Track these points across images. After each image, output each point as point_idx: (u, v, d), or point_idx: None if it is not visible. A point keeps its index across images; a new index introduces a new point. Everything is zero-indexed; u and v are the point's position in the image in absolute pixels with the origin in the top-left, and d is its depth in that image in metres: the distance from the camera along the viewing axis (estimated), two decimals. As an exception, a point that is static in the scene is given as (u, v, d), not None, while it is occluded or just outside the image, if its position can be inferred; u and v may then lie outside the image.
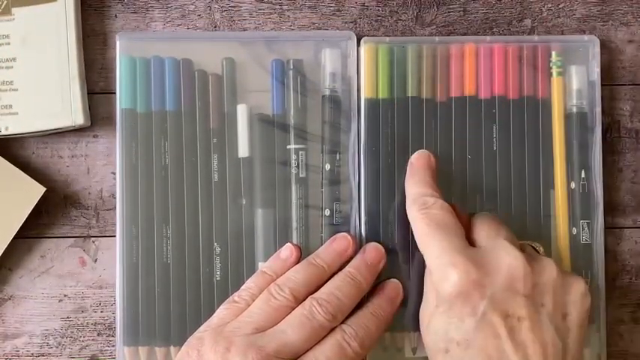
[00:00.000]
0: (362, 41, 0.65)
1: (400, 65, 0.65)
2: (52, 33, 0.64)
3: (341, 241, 0.62)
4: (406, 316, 0.64)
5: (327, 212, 0.64)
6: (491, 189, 0.65)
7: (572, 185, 0.65)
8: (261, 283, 0.60)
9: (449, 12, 0.67)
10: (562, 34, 0.67)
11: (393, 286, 0.62)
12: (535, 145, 0.65)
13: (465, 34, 0.67)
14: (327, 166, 0.64)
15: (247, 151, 0.64)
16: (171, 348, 0.64)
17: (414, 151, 0.64)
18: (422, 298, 0.60)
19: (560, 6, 0.67)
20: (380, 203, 0.64)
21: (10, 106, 0.63)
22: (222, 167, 0.64)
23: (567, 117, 0.65)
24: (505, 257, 0.56)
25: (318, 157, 0.64)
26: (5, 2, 0.63)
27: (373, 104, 0.64)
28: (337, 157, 0.64)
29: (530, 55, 0.65)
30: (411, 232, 0.62)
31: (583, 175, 0.65)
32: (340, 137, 0.64)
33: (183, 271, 0.64)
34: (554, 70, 0.65)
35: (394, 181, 0.64)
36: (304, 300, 0.58)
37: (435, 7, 0.67)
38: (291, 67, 0.64)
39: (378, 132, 0.64)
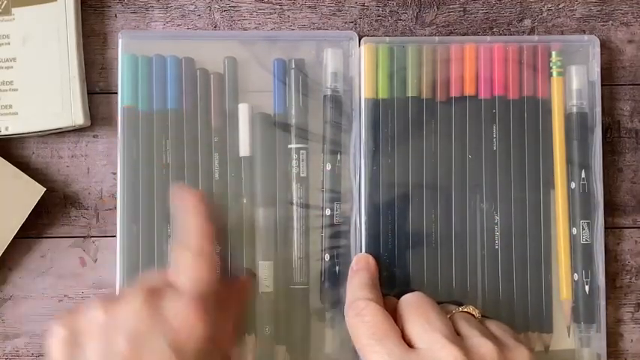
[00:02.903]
0: (362, 41, 0.65)
1: (400, 65, 0.65)
2: (52, 33, 0.64)
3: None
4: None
5: (327, 212, 0.64)
6: (491, 189, 0.65)
7: (572, 185, 0.65)
8: None
9: (449, 12, 0.67)
10: (562, 34, 0.67)
11: None
12: (535, 145, 0.65)
13: (465, 34, 0.67)
14: (328, 166, 0.64)
15: (248, 150, 0.64)
16: (171, 347, 0.64)
17: (414, 151, 0.64)
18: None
19: (560, 6, 0.67)
20: (380, 203, 0.64)
21: (10, 106, 0.63)
22: (223, 166, 0.64)
23: (567, 117, 0.65)
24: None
25: (319, 156, 0.64)
26: (5, 2, 0.64)
27: (373, 104, 0.64)
28: (338, 157, 0.64)
29: (530, 55, 0.65)
30: (411, 231, 0.62)
31: (583, 175, 0.65)
32: (341, 137, 0.64)
33: (183, 270, 0.64)
34: (554, 70, 0.65)
35: (394, 181, 0.64)
36: None
37: (435, 7, 0.67)
38: (293, 66, 0.64)
39: (378, 132, 0.64)
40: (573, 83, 0.66)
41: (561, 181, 0.65)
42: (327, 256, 0.64)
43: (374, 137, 0.64)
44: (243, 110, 0.64)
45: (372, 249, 0.64)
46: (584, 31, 0.67)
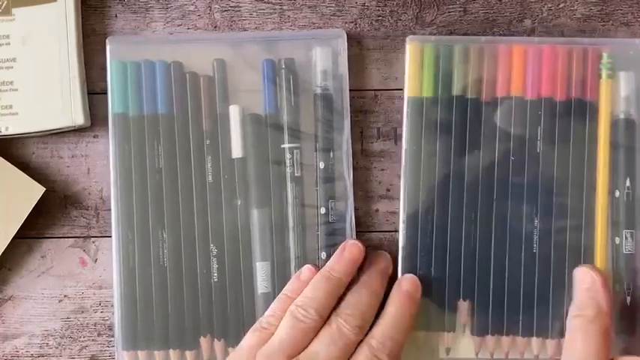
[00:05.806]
0: (407, 40, 0.64)
1: (445, 64, 0.64)
2: (52, 33, 0.64)
3: (352, 249, 0.62)
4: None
5: (322, 210, 0.64)
6: (532, 192, 0.64)
7: (617, 194, 0.64)
8: (285, 307, 0.60)
9: (449, 12, 0.66)
10: (562, 34, 0.66)
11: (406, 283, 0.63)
12: (580, 149, 0.64)
13: (465, 34, 0.66)
14: (321, 165, 0.64)
15: (241, 151, 0.64)
16: (170, 351, 0.64)
17: (456, 151, 0.64)
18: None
19: (560, 6, 0.66)
20: (419, 204, 0.64)
21: (10, 106, 0.64)
22: (216, 168, 0.64)
23: (614, 123, 0.64)
24: None
25: (311, 155, 0.64)
26: (5, 2, 0.64)
27: (417, 103, 0.64)
28: (331, 155, 0.64)
29: (579, 57, 0.64)
30: (450, 231, 0.63)
31: (628, 183, 0.64)
32: (333, 135, 0.64)
33: (180, 274, 0.64)
34: (604, 72, 0.64)
35: (434, 182, 0.64)
36: (328, 317, 0.59)
37: (435, 7, 0.66)
38: (283, 66, 0.64)
39: (420, 130, 0.64)
40: (621, 90, 0.64)
41: (602, 188, 0.64)
42: (323, 254, 0.64)
43: (416, 136, 0.64)
44: (234, 112, 0.64)
45: (410, 251, 0.64)
46: (584, 32, 0.66)
